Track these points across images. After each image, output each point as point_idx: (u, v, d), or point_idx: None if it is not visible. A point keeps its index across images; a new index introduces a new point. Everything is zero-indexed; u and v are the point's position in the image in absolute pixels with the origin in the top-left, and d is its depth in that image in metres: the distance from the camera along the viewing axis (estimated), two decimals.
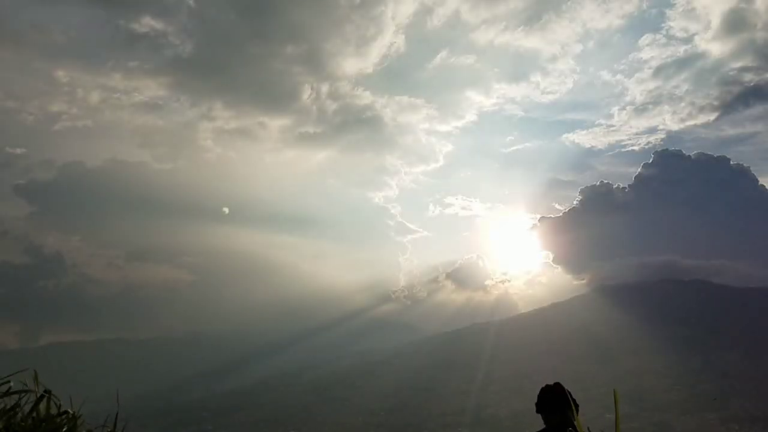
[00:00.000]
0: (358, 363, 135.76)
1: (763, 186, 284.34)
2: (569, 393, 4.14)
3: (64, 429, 2.91)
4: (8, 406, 2.85)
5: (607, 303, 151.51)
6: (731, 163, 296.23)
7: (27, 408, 2.89)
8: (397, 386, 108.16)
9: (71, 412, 2.98)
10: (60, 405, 2.98)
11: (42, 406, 2.91)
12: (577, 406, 4.14)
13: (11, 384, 2.95)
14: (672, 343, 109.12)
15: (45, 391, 2.94)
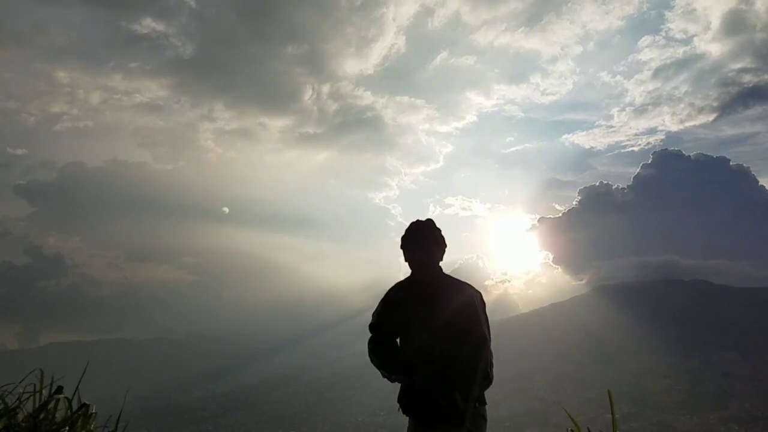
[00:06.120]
0: (358, 363, 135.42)
1: (762, 186, 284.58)
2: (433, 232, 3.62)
3: (65, 429, 2.92)
4: (10, 406, 2.86)
5: (607, 303, 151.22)
6: (731, 163, 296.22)
7: (29, 407, 2.91)
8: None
9: (71, 411, 3.00)
10: (69, 406, 3.00)
11: (51, 405, 2.93)
12: (438, 244, 3.63)
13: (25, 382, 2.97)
14: (672, 343, 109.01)
15: (58, 387, 2.95)
